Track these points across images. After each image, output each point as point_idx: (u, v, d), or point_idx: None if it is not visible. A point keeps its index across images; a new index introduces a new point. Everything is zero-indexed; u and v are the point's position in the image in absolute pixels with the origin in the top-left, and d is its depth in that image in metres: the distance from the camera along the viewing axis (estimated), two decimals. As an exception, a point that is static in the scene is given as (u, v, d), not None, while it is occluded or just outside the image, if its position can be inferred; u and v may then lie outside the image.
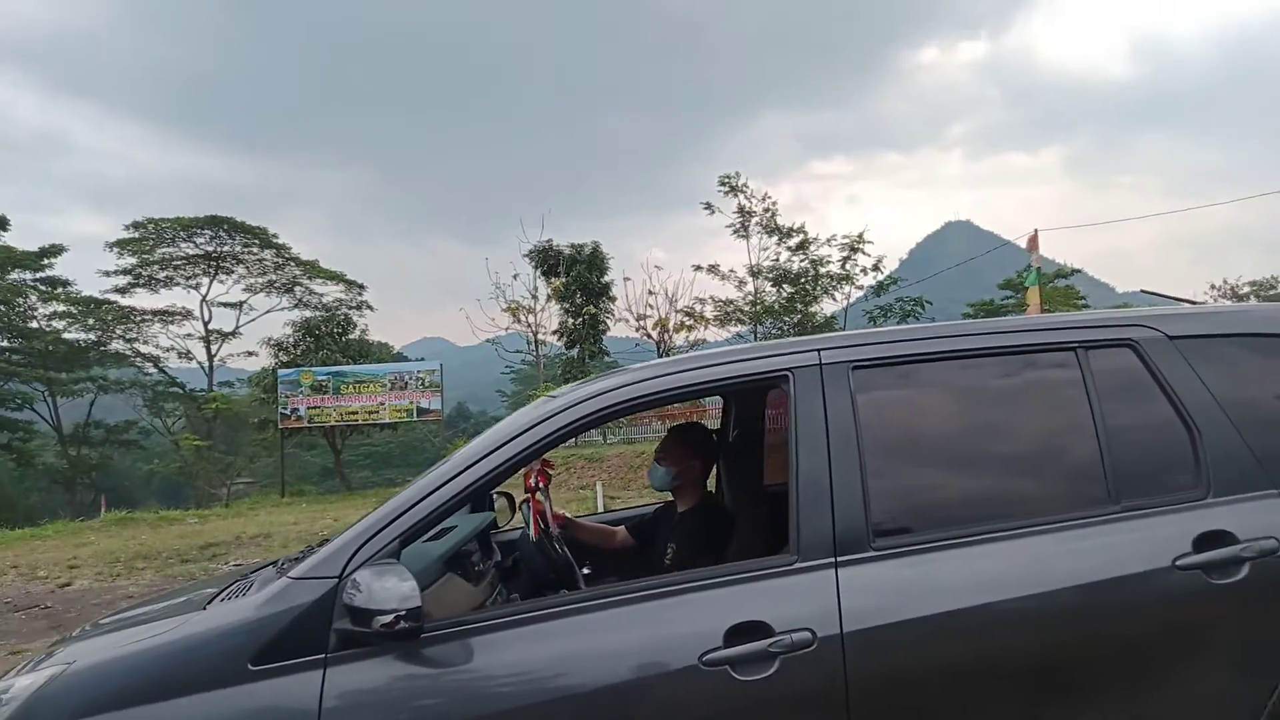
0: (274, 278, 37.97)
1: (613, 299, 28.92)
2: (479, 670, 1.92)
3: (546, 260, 28.28)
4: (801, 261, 27.92)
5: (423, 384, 25.03)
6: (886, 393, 2.30)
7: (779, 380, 2.25)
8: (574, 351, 28.85)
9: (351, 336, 30.35)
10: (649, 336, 26.58)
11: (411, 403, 24.92)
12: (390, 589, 1.81)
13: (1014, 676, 2.05)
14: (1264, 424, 2.28)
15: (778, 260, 28.15)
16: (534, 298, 27.09)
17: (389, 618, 1.79)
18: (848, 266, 27.75)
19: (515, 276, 26.78)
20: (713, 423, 4.57)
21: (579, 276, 28.11)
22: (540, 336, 27.41)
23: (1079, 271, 39.55)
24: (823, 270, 27.81)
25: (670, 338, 26.28)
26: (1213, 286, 35.77)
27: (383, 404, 24.86)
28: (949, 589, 2.02)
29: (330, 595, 1.90)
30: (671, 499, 3.42)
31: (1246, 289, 34.77)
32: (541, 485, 2.98)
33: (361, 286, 37.72)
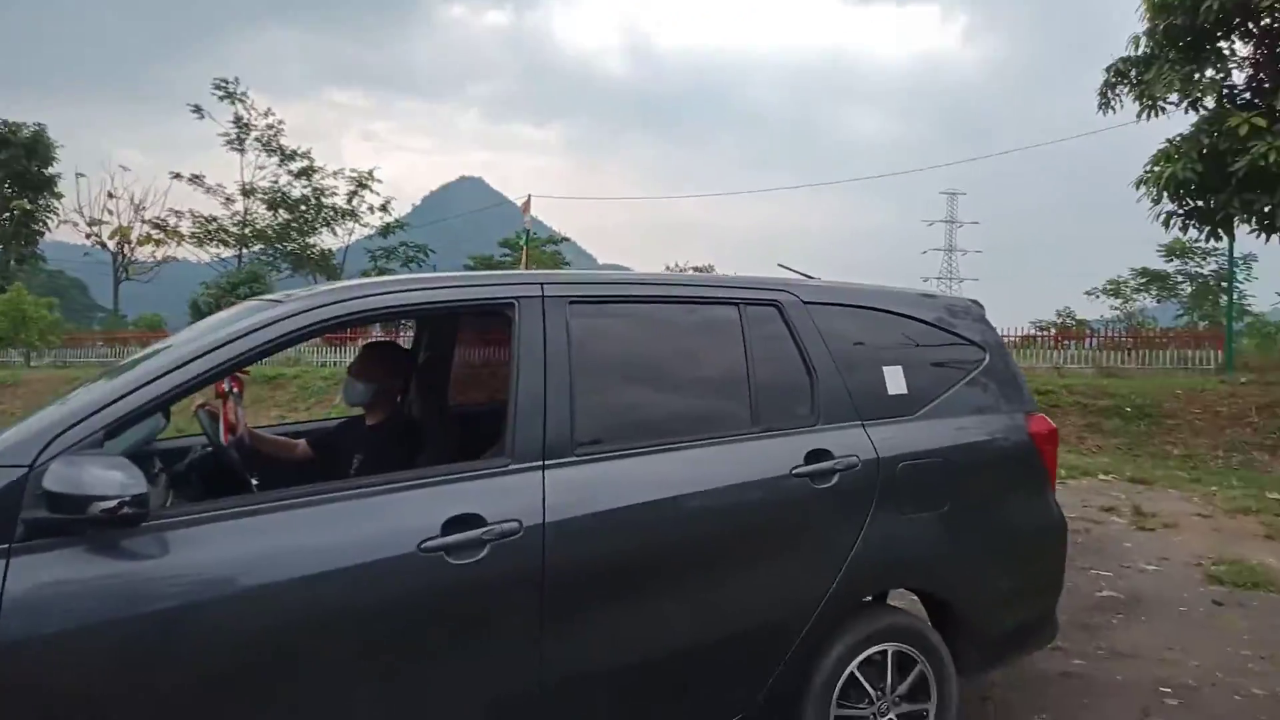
0: None
1: (59, 196, 23.93)
2: (188, 562, 1.96)
3: (-39, 133, 22.11)
4: (304, 188, 26.09)
5: None
6: (596, 326, 2.69)
7: (504, 307, 2.53)
8: (-5, 253, 23.18)
9: None
10: (103, 245, 22.43)
11: None
12: (108, 476, 1.81)
13: (676, 556, 2.57)
14: (856, 370, 3.02)
15: (276, 182, 25.91)
16: (-66, 178, 20.93)
17: (112, 503, 1.78)
18: (354, 203, 26.74)
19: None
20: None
21: (10, 162, 22.65)
22: (-59, 228, 21.36)
23: (568, 240, 43.57)
24: (326, 201, 26.34)
25: (132, 250, 22.51)
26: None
27: None
28: (631, 488, 2.50)
29: (20, 482, 1.84)
30: (358, 414, 3.58)
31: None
32: (235, 390, 2.91)
33: None
